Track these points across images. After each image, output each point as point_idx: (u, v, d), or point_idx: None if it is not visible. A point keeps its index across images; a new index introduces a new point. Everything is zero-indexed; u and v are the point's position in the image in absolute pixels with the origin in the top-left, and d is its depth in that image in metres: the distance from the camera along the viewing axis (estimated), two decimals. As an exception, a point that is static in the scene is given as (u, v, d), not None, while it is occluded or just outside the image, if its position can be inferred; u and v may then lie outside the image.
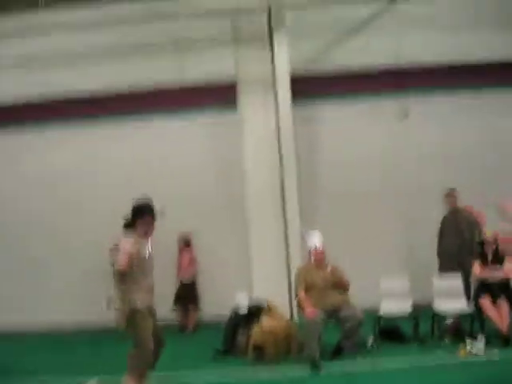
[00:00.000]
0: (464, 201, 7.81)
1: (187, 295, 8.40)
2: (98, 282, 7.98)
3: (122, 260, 4.25)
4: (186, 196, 8.78)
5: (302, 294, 6.05)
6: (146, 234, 4.60)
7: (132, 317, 4.33)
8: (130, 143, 9.00)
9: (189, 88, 8.92)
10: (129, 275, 4.33)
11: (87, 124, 9.07)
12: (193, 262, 8.54)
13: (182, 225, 8.55)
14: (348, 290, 6.13)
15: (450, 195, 7.66)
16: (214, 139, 9.04)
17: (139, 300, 4.37)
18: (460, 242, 7.32)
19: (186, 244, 8.63)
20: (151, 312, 4.54)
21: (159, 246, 8.53)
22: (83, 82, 8.88)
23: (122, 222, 4.68)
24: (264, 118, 8.70)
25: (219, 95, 8.91)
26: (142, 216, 4.56)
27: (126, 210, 4.63)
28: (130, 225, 4.60)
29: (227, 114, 8.84)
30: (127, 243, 4.37)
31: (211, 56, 8.81)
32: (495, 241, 6.32)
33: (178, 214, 8.74)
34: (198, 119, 9.02)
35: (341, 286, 6.10)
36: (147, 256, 4.56)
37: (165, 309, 8.34)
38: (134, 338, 4.37)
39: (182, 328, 8.32)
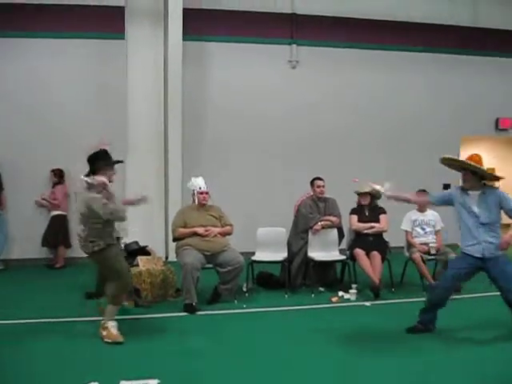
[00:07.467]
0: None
1: (58, 230, 7.93)
2: None
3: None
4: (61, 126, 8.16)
5: (180, 230, 5.86)
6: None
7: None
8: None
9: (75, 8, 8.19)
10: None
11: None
12: (66, 197, 7.96)
13: (59, 156, 8.02)
14: (231, 233, 6.03)
15: None
16: (97, 66, 8.30)
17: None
18: None
19: (59, 178, 8.05)
20: None
21: (30, 180, 7.88)
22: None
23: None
24: (152, 50, 8.16)
25: (106, 20, 8.20)
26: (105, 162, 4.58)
27: None
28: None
29: (113, 42, 8.17)
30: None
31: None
32: (372, 197, 6.54)
33: (51, 146, 8.05)
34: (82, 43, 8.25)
35: (225, 232, 5.98)
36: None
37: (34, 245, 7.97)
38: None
39: (50, 265, 7.92)
